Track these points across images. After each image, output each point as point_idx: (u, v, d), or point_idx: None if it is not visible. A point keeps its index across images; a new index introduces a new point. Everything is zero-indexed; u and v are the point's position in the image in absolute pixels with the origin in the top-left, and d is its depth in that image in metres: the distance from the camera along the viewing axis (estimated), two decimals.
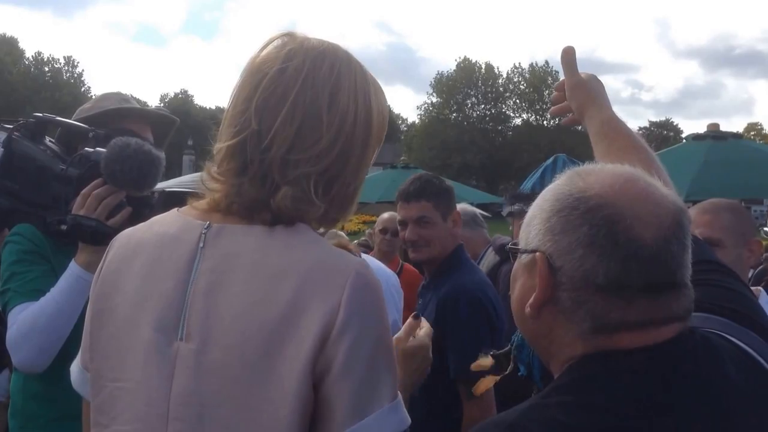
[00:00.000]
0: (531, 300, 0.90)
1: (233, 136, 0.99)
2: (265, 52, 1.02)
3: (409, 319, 1.43)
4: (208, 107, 73.79)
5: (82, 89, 59.69)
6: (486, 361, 1.36)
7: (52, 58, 58.43)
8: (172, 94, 72.21)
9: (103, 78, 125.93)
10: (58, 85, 55.38)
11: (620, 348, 0.85)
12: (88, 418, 1.08)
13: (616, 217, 0.84)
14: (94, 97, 2.10)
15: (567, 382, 0.87)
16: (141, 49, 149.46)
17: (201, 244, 0.97)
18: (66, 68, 59.15)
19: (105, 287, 1.04)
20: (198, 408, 0.92)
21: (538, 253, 0.89)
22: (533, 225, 0.92)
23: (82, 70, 61.83)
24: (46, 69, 57.17)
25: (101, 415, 1.01)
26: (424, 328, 1.42)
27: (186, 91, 75.68)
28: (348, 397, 0.89)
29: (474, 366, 1.39)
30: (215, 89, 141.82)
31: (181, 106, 57.90)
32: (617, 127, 1.38)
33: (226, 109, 1.03)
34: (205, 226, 0.98)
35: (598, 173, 0.91)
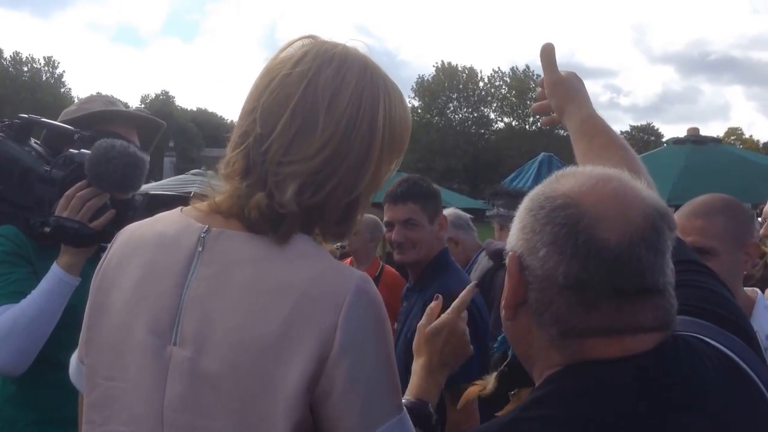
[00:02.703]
0: (504, 301, 0.91)
1: (240, 138, 0.98)
2: (283, 53, 1.00)
3: (431, 304, 1.41)
4: (189, 109, 73.46)
5: (62, 90, 59.05)
6: (489, 381, 1.31)
7: (32, 58, 57.78)
8: (153, 96, 71.75)
9: (83, 79, 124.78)
10: (38, 85, 54.71)
11: (597, 357, 0.83)
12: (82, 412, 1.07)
13: (578, 217, 0.83)
14: (74, 98, 2.09)
15: (547, 395, 0.85)
16: (121, 50, 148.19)
17: (200, 248, 0.95)
18: (46, 69, 58.50)
19: (104, 282, 1.02)
20: (192, 417, 0.90)
21: (510, 252, 0.90)
22: (513, 225, 0.93)
23: (63, 71, 61.17)
24: (25, 69, 56.47)
25: (94, 412, 0.99)
26: (451, 308, 1.39)
27: (167, 93, 75.22)
28: (352, 416, 0.88)
29: (478, 387, 1.34)
30: (196, 91, 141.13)
31: (162, 107, 57.39)
32: (597, 125, 1.36)
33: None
34: (204, 230, 0.96)
35: (575, 175, 0.90)
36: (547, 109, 1.48)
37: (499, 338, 1.27)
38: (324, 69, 0.97)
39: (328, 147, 0.95)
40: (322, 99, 0.95)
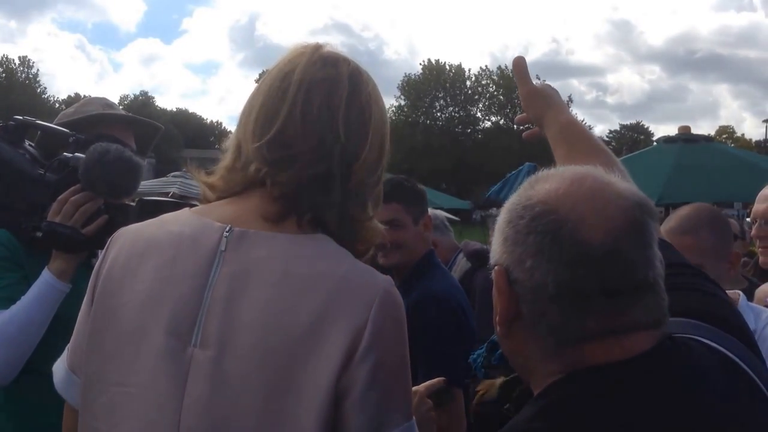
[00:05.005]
0: (497, 317, 0.89)
1: (316, 146, 0.98)
2: (294, 58, 1.03)
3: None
4: (169, 109, 72.78)
5: (38, 90, 58.17)
6: (493, 389, 1.27)
7: (7, 58, 56.86)
8: (131, 96, 71.01)
9: (61, 79, 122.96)
10: (12, 86, 53.82)
11: (597, 363, 0.82)
12: (71, 424, 1.04)
13: (559, 222, 0.82)
14: (49, 97, 2.05)
15: (552, 404, 0.83)
16: (99, 50, 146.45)
17: (222, 248, 0.94)
18: (21, 69, 57.62)
19: (110, 285, 0.99)
20: (213, 419, 0.88)
21: (496, 267, 0.88)
22: (494, 238, 0.91)
23: (38, 71, 60.21)
24: (1, 70, 55.54)
25: (99, 421, 0.96)
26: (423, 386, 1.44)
27: (146, 93, 74.64)
28: (368, 415, 0.87)
29: (481, 389, 1.33)
30: (176, 91, 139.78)
31: (141, 108, 56.72)
32: (576, 131, 1.38)
33: (249, 109, 1.03)
34: (227, 229, 0.95)
35: (549, 179, 0.89)
36: (529, 120, 1.51)
37: (496, 354, 1.26)
38: (364, 86, 1.04)
39: (383, 161, 1.05)
40: (366, 105, 1.03)
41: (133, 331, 0.95)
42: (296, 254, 0.93)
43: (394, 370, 0.91)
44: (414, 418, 0.95)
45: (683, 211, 2.00)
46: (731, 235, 2.03)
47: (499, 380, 1.20)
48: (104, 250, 1.05)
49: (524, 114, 1.51)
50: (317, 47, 1.05)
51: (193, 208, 1.04)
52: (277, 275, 0.91)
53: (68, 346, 1.07)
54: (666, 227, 1.93)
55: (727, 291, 1.97)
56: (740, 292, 2.02)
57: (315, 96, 0.99)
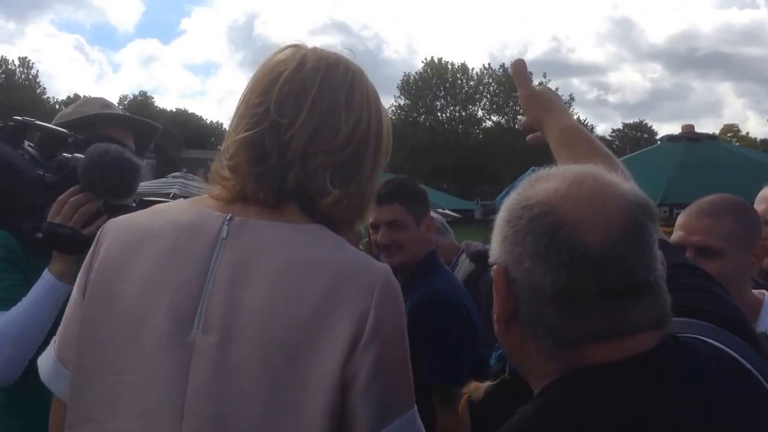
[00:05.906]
0: (495, 315, 0.88)
1: (250, 128, 0.99)
2: (277, 56, 1.04)
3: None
4: (168, 110, 72.88)
5: (38, 90, 58.30)
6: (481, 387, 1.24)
7: (4, 59, 56.97)
8: (131, 96, 71.12)
9: (60, 80, 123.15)
10: (12, 87, 53.93)
11: (597, 363, 0.81)
12: (58, 418, 1.03)
13: (558, 224, 0.81)
14: (49, 98, 2.05)
15: (553, 403, 0.83)
16: (98, 51, 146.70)
17: (224, 236, 0.95)
18: (21, 69, 57.73)
19: (105, 274, 0.99)
20: (217, 404, 0.88)
21: (495, 266, 0.88)
22: (494, 236, 0.90)
23: (37, 72, 60.31)
24: (0, 70, 55.65)
25: (96, 410, 0.95)
26: None
27: (145, 93, 74.81)
28: (375, 402, 0.88)
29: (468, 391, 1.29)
30: (175, 91, 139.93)
31: (141, 108, 56.78)
32: (577, 134, 1.36)
33: (237, 105, 1.04)
34: (228, 218, 0.96)
35: (549, 178, 0.88)
36: (529, 125, 1.49)
37: (496, 353, 1.26)
38: (334, 67, 1.02)
39: (353, 141, 1.00)
40: (340, 93, 1.00)
41: (133, 319, 0.94)
42: (297, 242, 0.94)
43: (397, 358, 0.92)
44: (416, 405, 0.96)
45: (707, 197, 1.87)
46: (759, 227, 1.85)
47: (486, 384, 1.19)
48: (94, 242, 1.04)
49: (525, 119, 1.50)
50: (296, 44, 1.06)
51: (188, 199, 1.06)
52: (279, 262, 0.91)
53: (55, 339, 1.06)
54: (686, 212, 1.85)
55: (753, 291, 1.87)
56: (766, 292, 1.90)
57: (263, 78, 1.02)
